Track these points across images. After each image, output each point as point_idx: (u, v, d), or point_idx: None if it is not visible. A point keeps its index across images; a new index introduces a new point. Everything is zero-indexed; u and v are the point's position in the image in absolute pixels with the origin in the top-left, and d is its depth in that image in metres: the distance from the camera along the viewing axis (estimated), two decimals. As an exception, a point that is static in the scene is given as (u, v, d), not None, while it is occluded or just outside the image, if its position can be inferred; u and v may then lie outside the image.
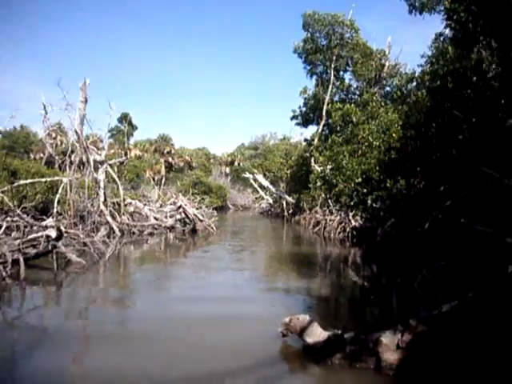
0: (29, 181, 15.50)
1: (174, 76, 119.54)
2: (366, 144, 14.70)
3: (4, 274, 8.07)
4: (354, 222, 18.36)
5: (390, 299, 5.99)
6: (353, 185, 14.08)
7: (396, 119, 16.12)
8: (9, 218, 10.25)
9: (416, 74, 16.02)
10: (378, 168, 13.16)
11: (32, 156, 37.23)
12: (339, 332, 4.42)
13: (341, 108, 17.38)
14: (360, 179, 14.05)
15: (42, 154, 35.94)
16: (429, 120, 10.36)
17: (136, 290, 8.59)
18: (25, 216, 10.96)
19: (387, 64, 25.88)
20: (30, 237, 10.05)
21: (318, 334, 4.52)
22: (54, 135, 32.23)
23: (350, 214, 18.28)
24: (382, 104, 18.61)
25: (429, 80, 11.45)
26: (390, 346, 4.13)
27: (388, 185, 11.10)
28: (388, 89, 26.97)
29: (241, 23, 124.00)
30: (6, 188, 13.22)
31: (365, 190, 13.86)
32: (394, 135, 14.84)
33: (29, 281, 8.43)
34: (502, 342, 3.88)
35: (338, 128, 16.72)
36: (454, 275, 5.97)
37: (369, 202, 14.10)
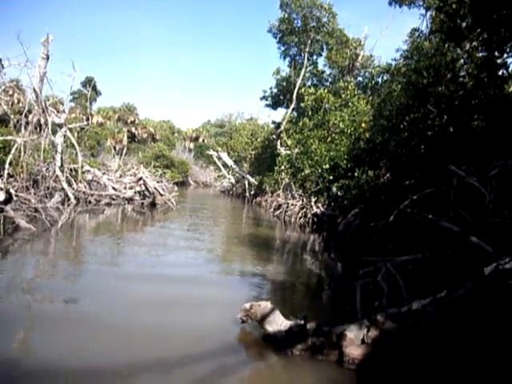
0: (-22, 137, 14.52)
1: (145, 44, 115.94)
2: (337, 131, 14.60)
3: None
4: (315, 209, 18.38)
5: (349, 290, 5.91)
6: (319, 170, 13.96)
7: (368, 109, 16.12)
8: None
9: (391, 67, 15.97)
10: (346, 156, 13.10)
11: (-16, 112, 35.10)
12: (301, 322, 4.25)
13: (314, 93, 17.16)
14: (327, 165, 13.94)
15: (-5, 111, 33.95)
16: (401, 113, 10.33)
17: (87, 264, 8.08)
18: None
19: (362, 54, 25.82)
20: (-26, 197, 9.37)
21: (279, 322, 4.34)
22: (10, 92, 30.45)
23: (313, 200, 18.29)
24: (356, 93, 18.53)
25: (403, 73, 11.41)
26: (354, 340, 4.00)
27: (356, 174, 11.03)
28: (360, 79, 26.98)
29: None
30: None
31: (331, 177, 13.79)
32: (363, 125, 14.84)
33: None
34: (477, 345, 3.84)
35: (310, 113, 16.51)
36: (419, 271, 5.94)
37: (334, 189, 14.06)
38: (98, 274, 7.18)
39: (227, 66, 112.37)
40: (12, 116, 21.63)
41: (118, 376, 3.80)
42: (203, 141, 54.47)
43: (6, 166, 13.79)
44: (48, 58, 16.96)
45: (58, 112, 18.44)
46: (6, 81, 19.57)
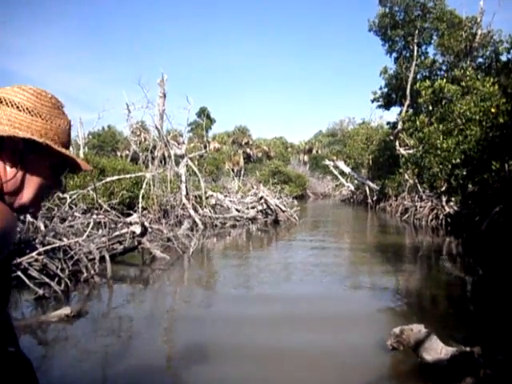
0: (115, 177, 15.93)
1: (248, 67, 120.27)
2: (464, 121, 13.18)
3: (92, 271, 8.08)
4: (447, 209, 16.87)
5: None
6: (450, 167, 12.64)
7: (496, 91, 14.39)
8: (94, 216, 10.38)
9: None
10: (479, 147, 11.71)
11: (119, 154, 39.02)
12: (467, 349, 3.62)
13: (431, 85, 15.84)
14: (459, 160, 12.58)
15: (127, 152, 37.50)
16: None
17: (222, 289, 8.14)
18: (110, 212, 11.09)
19: (479, 32, 23.37)
20: (115, 233, 10.11)
21: (438, 349, 3.75)
22: (137, 133, 33.44)
23: (444, 200, 16.81)
24: (478, 77, 16.72)
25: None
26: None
27: (493, 167, 9.75)
28: (481, 60, 24.48)
29: (312, 6, 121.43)
30: (94, 186, 13.57)
31: (464, 173, 12.40)
32: (493, 110, 13.25)
33: (116, 278, 8.42)
34: None
35: (430, 107, 15.22)
36: None
37: (470, 186, 12.66)
38: (234, 299, 7.10)
39: (332, 73, 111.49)
40: (141, 154, 23.66)
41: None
42: (317, 152, 54.25)
43: (140, 199, 14.91)
44: (165, 96, 18.20)
45: (178, 144, 19.60)
46: (133, 123, 21.51)
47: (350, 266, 10.24)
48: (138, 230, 10.48)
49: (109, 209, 11.44)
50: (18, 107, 1.03)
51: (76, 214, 10.86)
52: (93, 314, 6.28)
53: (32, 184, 1.05)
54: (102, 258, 8.58)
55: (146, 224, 11.19)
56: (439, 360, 3.67)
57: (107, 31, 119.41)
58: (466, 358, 3.56)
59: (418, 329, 3.94)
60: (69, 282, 7.24)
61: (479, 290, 7.33)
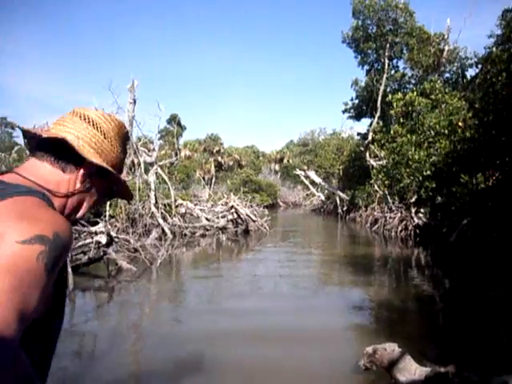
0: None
1: (221, 75, 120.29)
2: (433, 134, 13.38)
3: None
4: (416, 220, 17.08)
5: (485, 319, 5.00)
6: (420, 179, 12.77)
7: (462, 106, 14.71)
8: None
9: (491, 55, 14.35)
10: (448, 160, 11.87)
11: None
12: (441, 370, 3.51)
13: (402, 98, 16.08)
14: (429, 172, 12.72)
15: (95, 158, 36.58)
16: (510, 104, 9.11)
17: (190, 303, 7.85)
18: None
19: (446, 48, 24.04)
20: (79, 243, 9.72)
21: (412, 370, 3.63)
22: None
23: (413, 211, 17.01)
24: (446, 91, 17.10)
25: (506, 60, 10.12)
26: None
27: (462, 180, 9.87)
28: (447, 75, 25.16)
29: (286, 15, 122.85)
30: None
31: (434, 185, 12.55)
32: (460, 123, 13.51)
33: (79, 290, 8.05)
34: None
35: (401, 119, 15.43)
36: None
37: (439, 198, 12.81)
38: (202, 314, 6.81)
39: (304, 84, 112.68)
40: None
41: None
42: (288, 161, 54.39)
43: (107, 207, 14.46)
44: (135, 102, 17.77)
45: (149, 151, 19.22)
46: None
47: (320, 279, 10.13)
48: (103, 239, 10.11)
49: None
50: (104, 134, 1.15)
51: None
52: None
53: (89, 201, 1.17)
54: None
55: (112, 234, 10.82)
56: (413, 381, 3.55)
57: (78, 36, 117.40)
58: (441, 379, 3.45)
59: (391, 348, 3.81)
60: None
61: (448, 304, 7.31)
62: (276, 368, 4.54)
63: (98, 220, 12.90)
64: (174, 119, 36.12)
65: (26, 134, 1.13)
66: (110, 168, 1.13)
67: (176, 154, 25.86)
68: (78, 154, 1.07)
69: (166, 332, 5.86)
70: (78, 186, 1.10)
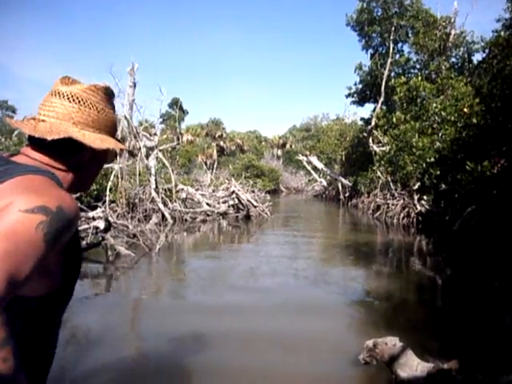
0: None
1: (222, 58, 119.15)
2: (438, 120, 13.11)
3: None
4: (419, 207, 16.91)
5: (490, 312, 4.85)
6: (424, 166, 12.52)
7: (469, 91, 14.39)
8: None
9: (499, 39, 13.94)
10: (454, 147, 11.64)
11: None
12: (444, 366, 3.38)
13: (406, 82, 15.72)
14: (433, 159, 12.46)
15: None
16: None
17: (188, 294, 7.54)
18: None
19: (453, 32, 23.51)
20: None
21: (414, 366, 3.49)
22: (107, 123, 32.46)
23: (415, 198, 16.83)
24: (452, 76, 16.71)
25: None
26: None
27: (468, 167, 9.65)
28: (453, 60, 24.67)
29: (287, 1, 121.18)
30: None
31: (438, 172, 12.30)
32: (465, 109, 13.24)
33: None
34: None
35: (404, 105, 15.11)
36: None
37: (443, 185, 12.61)
38: (202, 309, 6.55)
39: (307, 69, 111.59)
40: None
41: None
42: (290, 146, 54.10)
43: (107, 192, 14.33)
44: (135, 85, 17.52)
45: (150, 135, 19.00)
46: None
47: (320, 266, 9.99)
48: (101, 225, 10.01)
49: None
50: (96, 108, 1.19)
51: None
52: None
53: (93, 173, 1.27)
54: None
55: (111, 219, 10.71)
56: (415, 377, 3.42)
57: (79, 20, 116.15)
58: (444, 375, 3.31)
59: (392, 342, 3.68)
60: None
61: (451, 295, 7.17)
62: (273, 364, 4.43)
63: (99, 205, 12.81)
64: (175, 103, 35.76)
65: (17, 128, 1.20)
66: (110, 147, 1.21)
67: (178, 139, 25.65)
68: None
69: (162, 327, 5.70)
70: (84, 163, 1.19)
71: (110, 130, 1.23)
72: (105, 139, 1.19)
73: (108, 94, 1.24)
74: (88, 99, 1.16)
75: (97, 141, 1.16)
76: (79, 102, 1.15)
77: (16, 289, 0.84)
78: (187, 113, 49.21)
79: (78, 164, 1.17)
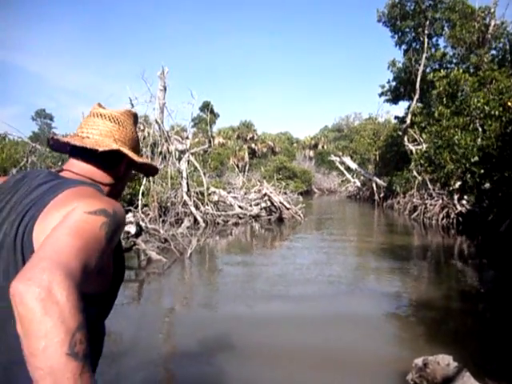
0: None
1: (252, 61, 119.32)
2: (481, 115, 12.39)
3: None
4: (459, 207, 16.17)
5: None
6: (467, 165, 11.81)
7: (512, 84, 13.55)
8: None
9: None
10: (499, 144, 10.93)
11: (121, 148, 38.41)
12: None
13: (446, 75, 14.96)
14: (476, 158, 11.74)
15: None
16: None
17: (221, 304, 7.06)
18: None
19: (492, 23, 22.41)
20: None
21: (472, 390, 3.11)
22: (141, 128, 32.83)
23: (455, 198, 16.09)
24: (495, 68, 15.81)
25: None
26: None
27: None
28: (494, 52, 23.54)
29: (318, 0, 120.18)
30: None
31: (482, 171, 11.59)
32: (509, 103, 12.48)
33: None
34: None
35: (444, 99, 14.37)
36: None
37: (487, 184, 11.89)
38: (229, 318, 6.25)
39: (338, 68, 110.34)
40: (144, 149, 23.00)
41: None
42: (322, 147, 53.37)
43: (139, 196, 14.31)
44: (165, 89, 17.52)
45: (182, 139, 18.97)
46: (136, 118, 20.83)
47: (356, 272, 9.52)
48: (132, 230, 9.90)
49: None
50: (127, 128, 1.36)
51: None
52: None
53: (124, 186, 1.42)
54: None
55: (142, 223, 10.62)
56: (474, 404, 3.02)
57: (112, 27, 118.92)
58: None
59: (445, 361, 3.29)
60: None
61: (501, 302, 6.62)
62: (313, 370, 4.10)
63: (132, 209, 12.79)
64: (206, 106, 35.89)
65: (56, 142, 1.33)
66: (148, 161, 1.41)
67: (209, 142, 25.58)
68: (119, 154, 1.28)
69: (198, 320, 5.48)
70: (120, 176, 1.33)
71: (137, 148, 1.40)
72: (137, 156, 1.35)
73: (136, 119, 1.43)
74: (125, 121, 1.34)
75: (134, 156, 1.31)
76: (119, 122, 1.32)
77: (86, 280, 0.91)
78: (218, 116, 49.28)
79: (116, 176, 1.30)
